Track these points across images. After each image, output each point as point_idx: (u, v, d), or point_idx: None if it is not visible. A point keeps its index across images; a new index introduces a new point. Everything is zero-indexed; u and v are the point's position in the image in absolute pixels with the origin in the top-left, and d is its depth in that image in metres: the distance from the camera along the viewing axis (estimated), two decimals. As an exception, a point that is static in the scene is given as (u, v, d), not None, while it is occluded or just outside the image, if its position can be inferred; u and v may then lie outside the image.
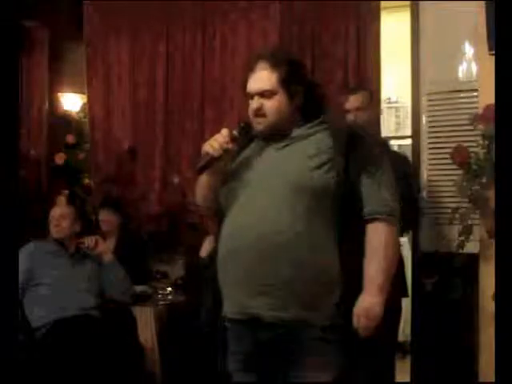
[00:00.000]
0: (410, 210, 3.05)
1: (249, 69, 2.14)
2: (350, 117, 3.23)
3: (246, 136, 2.16)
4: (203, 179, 2.18)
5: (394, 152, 3.56)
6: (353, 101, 3.27)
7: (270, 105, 2.09)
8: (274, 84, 2.08)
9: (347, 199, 2.03)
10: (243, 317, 2.04)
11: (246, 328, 2.06)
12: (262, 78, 2.09)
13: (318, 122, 2.14)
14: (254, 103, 2.10)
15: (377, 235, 2.04)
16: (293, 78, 2.10)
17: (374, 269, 2.01)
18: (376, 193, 2.05)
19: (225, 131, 2.11)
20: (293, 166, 2.05)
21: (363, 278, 2.02)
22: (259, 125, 2.11)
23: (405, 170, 3.15)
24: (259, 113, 2.10)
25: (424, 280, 3.24)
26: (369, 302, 1.99)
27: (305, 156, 2.05)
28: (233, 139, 2.10)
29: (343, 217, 2.04)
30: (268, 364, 2.06)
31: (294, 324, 2.00)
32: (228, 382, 2.16)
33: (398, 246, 2.10)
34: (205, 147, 2.10)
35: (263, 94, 2.09)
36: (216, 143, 2.08)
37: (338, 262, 2.03)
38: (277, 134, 2.12)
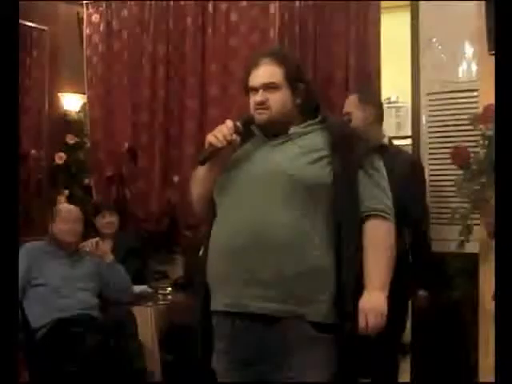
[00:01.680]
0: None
1: (252, 65, 2.15)
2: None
3: (247, 129, 2.16)
4: (202, 171, 2.18)
5: (408, 155, 3.54)
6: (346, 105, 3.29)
7: (275, 98, 2.11)
8: (280, 78, 2.11)
9: (342, 196, 2.04)
10: (234, 309, 2.04)
11: (236, 323, 2.05)
12: (268, 71, 2.12)
13: (315, 121, 2.17)
14: (259, 96, 2.12)
15: (375, 231, 2.05)
16: (296, 75, 2.14)
17: (374, 265, 2.02)
18: (372, 191, 2.08)
19: (229, 122, 2.11)
20: (289, 161, 2.06)
21: (364, 275, 2.01)
22: (262, 115, 2.12)
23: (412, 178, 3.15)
24: (263, 106, 2.11)
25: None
26: (374, 299, 1.98)
27: (301, 152, 2.07)
28: (237, 131, 2.11)
29: (338, 214, 2.05)
30: (258, 361, 2.05)
31: (285, 318, 1.99)
32: (220, 381, 2.16)
33: (394, 242, 2.10)
34: (209, 138, 2.10)
35: (268, 87, 2.11)
36: (220, 134, 2.08)
37: (332, 259, 2.03)
38: (276, 129, 2.14)
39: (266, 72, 2.12)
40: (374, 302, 1.98)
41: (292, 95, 2.14)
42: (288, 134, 2.13)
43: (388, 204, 2.10)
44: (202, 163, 2.14)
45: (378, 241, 2.05)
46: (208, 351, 2.16)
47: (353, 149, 2.08)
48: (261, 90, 2.12)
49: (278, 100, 2.11)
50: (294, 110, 2.15)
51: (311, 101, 2.19)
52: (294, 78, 2.13)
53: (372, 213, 2.07)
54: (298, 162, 2.05)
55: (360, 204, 2.06)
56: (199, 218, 2.30)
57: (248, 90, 2.17)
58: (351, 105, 3.28)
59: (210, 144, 2.09)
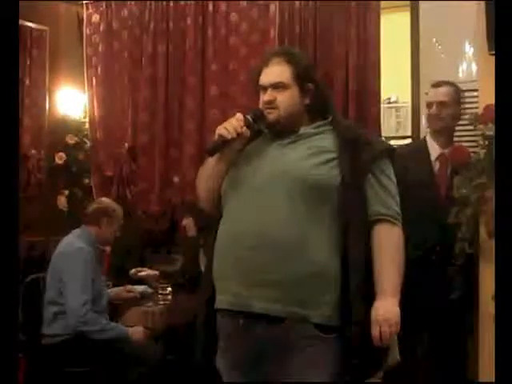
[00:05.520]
0: None
1: (262, 64, 2.16)
2: (432, 111, 3.19)
3: (257, 125, 2.15)
4: (210, 164, 2.17)
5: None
6: (436, 94, 3.20)
7: (283, 98, 2.11)
8: (289, 78, 2.12)
9: (349, 199, 2.03)
10: (237, 308, 2.03)
11: (240, 322, 2.05)
12: (277, 71, 2.13)
13: (325, 122, 2.17)
14: (267, 95, 2.12)
15: (384, 236, 2.05)
16: (306, 75, 2.14)
17: (385, 270, 2.01)
18: (381, 195, 2.08)
19: (239, 115, 2.11)
20: (297, 162, 2.06)
21: (375, 281, 2.00)
22: (270, 115, 2.12)
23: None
24: (271, 105, 2.11)
25: None
26: (387, 307, 1.97)
27: (310, 153, 2.07)
28: (247, 124, 2.11)
29: (345, 216, 2.04)
30: (260, 362, 2.04)
31: (289, 319, 1.99)
32: (220, 380, 2.15)
33: (404, 247, 2.10)
34: (218, 130, 2.10)
35: (276, 87, 2.11)
36: (230, 126, 2.08)
37: (338, 261, 2.02)
38: (284, 129, 2.14)
39: (275, 71, 2.13)
40: (386, 311, 1.97)
41: (301, 95, 2.14)
42: (297, 135, 2.13)
43: (396, 209, 2.09)
44: (211, 154, 2.13)
45: (388, 246, 2.03)
46: (210, 350, 2.16)
47: (362, 152, 2.07)
48: (269, 89, 2.13)
49: (286, 100, 2.12)
50: (303, 110, 2.15)
51: (321, 101, 2.18)
52: (303, 78, 2.13)
53: (380, 217, 2.06)
54: (306, 163, 2.04)
55: (368, 208, 2.06)
56: (203, 209, 2.28)
57: (258, 88, 2.17)
58: (447, 95, 3.18)
59: (220, 136, 2.09)
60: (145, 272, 4.10)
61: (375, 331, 1.96)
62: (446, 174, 3.18)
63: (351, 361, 2.01)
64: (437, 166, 3.21)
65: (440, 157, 3.21)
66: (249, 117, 2.12)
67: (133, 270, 4.08)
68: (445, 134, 3.22)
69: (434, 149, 3.23)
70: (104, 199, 3.78)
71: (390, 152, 2.16)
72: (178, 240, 4.66)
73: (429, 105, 3.24)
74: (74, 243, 3.45)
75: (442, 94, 3.20)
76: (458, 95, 3.23)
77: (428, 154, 3.23)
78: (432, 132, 3.28)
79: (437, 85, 3.26)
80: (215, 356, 2.15)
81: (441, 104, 3.18)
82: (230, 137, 2.07)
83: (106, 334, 3.30)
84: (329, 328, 2.00)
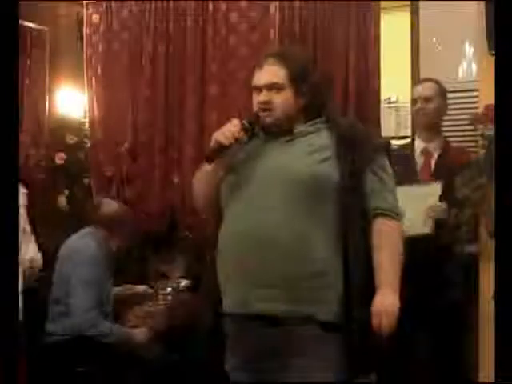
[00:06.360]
0: None
1: (256, 65, 2.17)
2: (417, 106, 3.23)
3: (253, 129, 2.15)
4: (207, 169, 2.17)
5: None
6: (421, 89, 3.26)
7: (278, 100, 2.12)
8: (283, 79, 2.12)
9: (349, 195, 2.04)
10: (242, 310, 2.04)
11: (244, 324, 2.05)
12: (271, 72, 2.13)
13: (320, 120, 2.16)
14: (262, 96, 2.12)
15: (387, 231, 2.06)
16: (301, 76, 2.14)
17: (385, 264, 2.02)
18: (380, 190, 2.09)
19: (235, 121, 2.12)
20: (295, 160, 2.06)
21: (375, 275, 2.02)
22: (267, 118, 2.12)
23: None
24: (266, 106, 2.11)
25: None
26: (387, 300, 1.99)
27: (307, 151, 2.07)
28: (243, 129, 2.11)
29: (345, 213, 2.04)
30: (266, 362, 2.05)
31: (293, 318, 1.99)
32: (227, 381, 2.16)
33: (402, 242, 2.11)
34: (216, 136, 2.10)
35: (271, 88, 2.11)
36: (228, 132, 2.08)
37: (340, 258, 2.03)
38: (279, 129, 2.14)
39: (269, 72, 2.13)
40: (387, 304, 1.99)
41: (296, 96, 2.14)
42: (293, 133, 2.14)
43: (395, 204, 2.11)
44: (210, 161, 2.14)
45: (389, 240, 2.05)
46: (217, 351, 2.17)
47: (359, 148, 2.08)
48: (264, 90, 2.13)
49: (282, 101, 2.12)
50: (298, 110, 2.16)
51: (318, 101, 2.19)
52: (298, 79, 2.13)
53: (380, 212, 2.07)
54: (304, 162, 2.05)
55: (368, 203, 2.07)
56: (202, 216, 2.29)
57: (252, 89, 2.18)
58: (432, 91, 3.23)
59: (218, 142, 2.09)
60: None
61: (375, 322, 1.97)
62: (430, 168, 3.19)
63: (353, 358, 2.01)
64: (421, 160, 3.22)
65: (423, 150, 3.22)
66: (245, 122, 2.12)
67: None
68: (430, 128, 3.25)
69: (419, 144, 3.25)
70: (115, 204, 3.76)
71: (387, 147, 2.18)
72: (178, 240, 4.65)
73: (414, 101, 3.28)
74: (82, 242, 3.44)
75: (426, 88, 3.25)
76: (441, 91, 3.27)
77: (412, 150, 3.25)
78: (418, 127, 3.31)
79: (420, 82, 3.34)
80: (219, 357, 2.16)
81: (425, 99, 3.22)
82: (228, 143, 2.08)
83: (110, 337, 3.29)
84: (331, 326, 2.01)
